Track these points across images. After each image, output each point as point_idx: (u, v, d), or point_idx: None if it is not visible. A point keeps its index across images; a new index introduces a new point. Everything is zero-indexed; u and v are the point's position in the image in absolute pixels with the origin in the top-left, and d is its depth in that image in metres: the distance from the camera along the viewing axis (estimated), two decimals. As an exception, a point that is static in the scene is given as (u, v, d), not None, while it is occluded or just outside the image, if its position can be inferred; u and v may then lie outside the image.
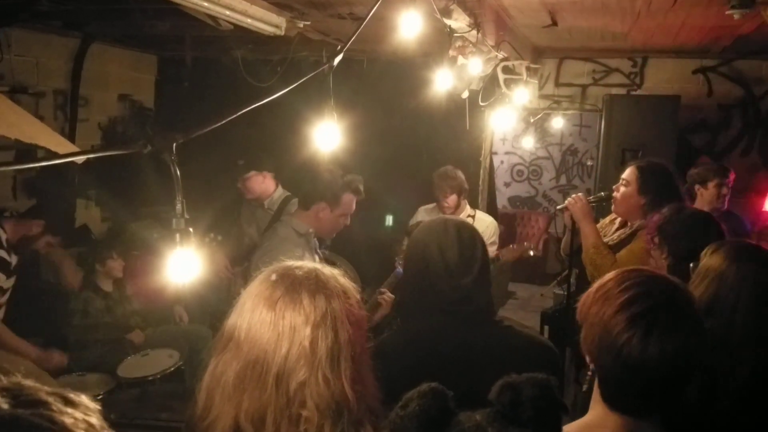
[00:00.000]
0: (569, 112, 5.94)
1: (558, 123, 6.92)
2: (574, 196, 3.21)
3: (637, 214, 3.03)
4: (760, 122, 5.22)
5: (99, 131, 5.46)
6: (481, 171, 5.55)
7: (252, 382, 1.06)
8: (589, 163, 8.73)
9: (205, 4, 2.75)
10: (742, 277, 1.73)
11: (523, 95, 4.64)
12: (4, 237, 3.29)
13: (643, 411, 1.25)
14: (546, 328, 5.60)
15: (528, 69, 4.59)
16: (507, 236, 8.71)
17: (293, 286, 1.11)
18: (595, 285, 1.34)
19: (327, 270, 1.18)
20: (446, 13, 2.80)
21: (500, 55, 3.92)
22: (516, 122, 5.98)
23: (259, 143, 5.21)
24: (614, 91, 5.34)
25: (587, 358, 1.31)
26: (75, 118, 5.08)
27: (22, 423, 0.62)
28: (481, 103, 4.29)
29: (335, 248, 4.72)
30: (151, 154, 1.33)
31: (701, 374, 1.55)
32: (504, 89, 4.35)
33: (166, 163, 1.34)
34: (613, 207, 3.19)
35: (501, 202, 9.01)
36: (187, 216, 1.33)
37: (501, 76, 4.25)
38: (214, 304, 3.94)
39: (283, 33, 3.51)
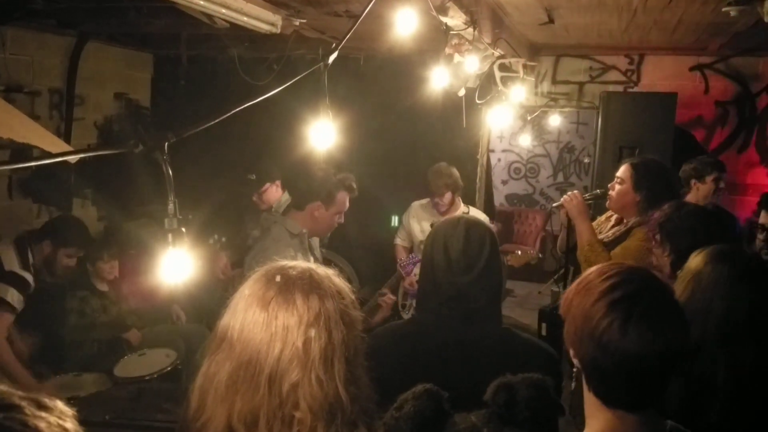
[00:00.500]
0: (566, 109, 5.94)
1: (555, 120, 6.91)
2: (569, 193, 3.20)
3: (633, 212, 3.03)
4: (756, 119, 5.22)
5: (95, 130, 5.44)
6: (479, 169, 5.54)
7: (245, 383, 1.05)
8: (586, 160, 8.73)
9: (201, 2, 2.74)
10: (716, 279, 1.72)
11: (519, 93, 4.63)
12: (31, 260, 3.37)
13: (634, 403, 1.23)
14: (543, 325, 5.62)
15: (525, 66, 4.58)
16: (505, 234, 8.72)
17: (286, 286, 1.10)
18: (577, 281, 1.33)
19: (321, 270, 1.17)
20: (442, 10, 2.80)
21: (497, 53, 3.91)
22: (513, 120, 5.98)
23: (256, 142, 5.21)
24: (611, 88, 5.33)
25: (571, 353, 1.29)
26: (71, 117, 5.07)
27: None
28: (478, 101, 4.28)
29: (333, 247, 4.72)
30: (143, 153, 1.32)
31: (684, 376, 1.56)
32: (501, 87, 4.35)
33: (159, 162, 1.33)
34: (608, 204, 3.19)
35: (498, 199, 9.01)
36: (179, 216, 1.32)
37: (497, 74, 4.24)
38: (210, 304, 3.94)
39: (279, 31, 3.50)
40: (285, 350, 1.05)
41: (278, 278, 1.12)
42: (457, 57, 3.32)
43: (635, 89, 5.37)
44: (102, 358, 3.75)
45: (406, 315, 4.32)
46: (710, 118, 5.30)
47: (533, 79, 5.39)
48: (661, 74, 5.34)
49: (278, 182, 4.08)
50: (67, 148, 3.47)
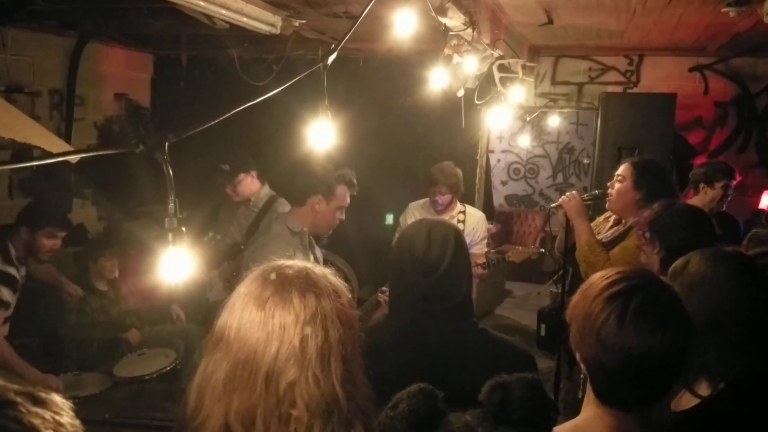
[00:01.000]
0: (565, 110, 5.95)
1: (554, 121, 6.94)
2: (568, 194, 3.21)
3: (632, 211, 3.04)
4: (756, 120, 5.24)
5: (95, 130, 5.45)
6: (478, 169, 5.55)
7: (242, 382, 1.05)
8: (585, 161, 8.74)
9: (201, 3, 2.75)
10: (719, 280, 1.71)
11: (518, 93, 4.64)
12: (14, 253, 3.31)
13: (631, 402, 1.24)
14: (542, 326, 5.63)
15: (524, 67, 4.59)
16: (504, 235, 8.74)
17: (283, 285, 1.11)
18: (583, 286, 1.34)
19: (318, 269, 1.17)
20: (441, 11, 2.80)
21: (496, 54, 3.92)
22: (512, 120, 5.98)
23: (255, 141, 5.22)
24: (610, 89, 5.35)
25: (577, 357, 1.30)
26: (71, 118, 5.08)
27: None
28: (477, 102, 4.29)
29: (332, 247, 4.73)
30: (143, 153, 1.33)
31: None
32: (500, 87, 4.35)
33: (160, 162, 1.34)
34: (607, 204, 3.19)
35: (498, 200, 9.02)
36: (180, 215, 1.33)
37: (497, 75, 4.24)
38: (211, 303, 3.94)
39: (278, 32, 3.51)
40: (282, 349, 1.05)
41: (275, 277, 1.13)
42: (456, 58, 3.33)
43: (635, 90, 5.38)
44: (102, 357, 3.75)
45: None
46: (710, 118, 5.31)
47: (532, 79, 5.40)
48: (660, 75, 5.36)
49: (253, 173, 3.97)
50: (68, 148, 3.47)
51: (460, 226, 4.12)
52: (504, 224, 8.75)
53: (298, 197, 2.93)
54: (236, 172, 3.91)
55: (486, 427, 0.94)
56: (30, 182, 4.69)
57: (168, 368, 3.59)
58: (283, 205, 3.81)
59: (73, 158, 2.28)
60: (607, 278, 1.28)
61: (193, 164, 4.28)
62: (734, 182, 3.92)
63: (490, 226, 7.65)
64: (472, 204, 5.09)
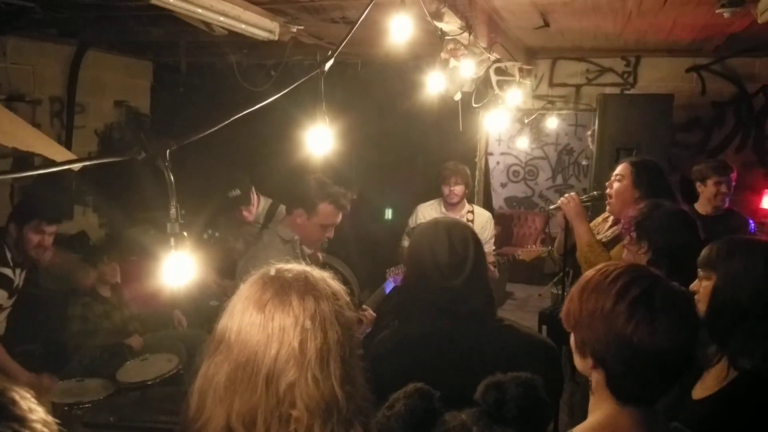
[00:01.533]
0: (563, 112, 5.97)
1: (553, 123, 6.95)
2: (567, 195, 3.22)
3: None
4: (753, 119, 5.25)
5: (95, 138, 5.48)
6: (477, 172, 5.56)
7: (243, 384, 1.07)
8: (584, 162, 8.76)
9: (199, 10, 2.77)
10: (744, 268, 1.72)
11: (516, 96, 4.66)
12: (9, 255, 3.26)
13: (652, 398, 1.25)
14: (544, 327, 5.63)
15: (521, 70, 4.61)
16: (504, 237, 8.74)
17: (283, 288, 1.13)
18: (577, 287, 1.32)
19: (316, 272, 1.19)
20: (437, 16, 2.82)
21: (493, 57, 3.94)
22: (511, 123, 6.00)
23: (253, 147, 5.24)
24: (608, 90, 5.36)
25: (589, 361, 1.27)
26: (71, 125, 5.11)
27: None
28: (474, 105, 4.31)
29: (332, 251, 4.75)
30: (145, 160, 1.36)
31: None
32: (497, 90, 4.37)
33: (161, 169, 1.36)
34: (607, 205, 3.21)
35: (497, 202, 9.03)
36: (181, 221, 1.35)
37: (494, 78, 4.27)
38: (213, 308, 3.96)
39: (276, 38, 3.53)
40: (282, 351, 1.07)
41: (274, 281, 1.15)
42: (452, 62, 3.35)
43: (632, 91, 5.39)
44: (105, 363, 3.77)
45: None
46: (707, 119, 5.32)
47: (529, 82, 5.42)
48: (657, 76, 5.37)
49: (253, 189, 3.99)
50: (70, 155, 3.48)
51: (470, 224, 4.21)
52: (504, 226, 8.76)
53: (287, 206, 2.95)
54: (248, 193, 3.91)
55: (481, 425, 0.96)
56: (32, 190, 4.71)
57: (171, 373, 3.60)
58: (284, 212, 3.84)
59: (77, 166, 2.30)
60: (613, 279, 1.26)
61: (192, 166, 4.30)
62: (726, 177, 3.92)
63: (493, 230, 7.67)
64: (472, 203, 5.12)
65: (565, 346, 3.30)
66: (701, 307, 1.71)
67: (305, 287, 1.13)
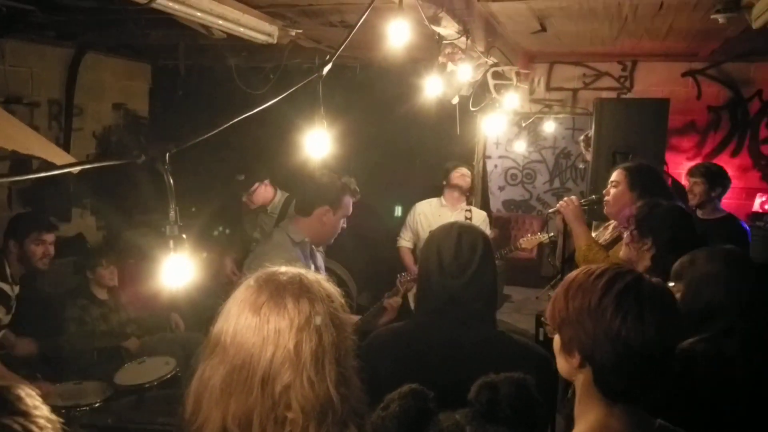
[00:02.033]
0: (561, 115, 5.99)
1: (550, 127, 6.97)
2: (565, 198, 3.24)
3: None
4: (748, 123, 5.28)
5: (94, 140, 5.49)
6: (474, 175, 5.58)
7: (238, 386, 1.08)
8: (581, 165, 8.77)
9: (198, 14, 2.78)
10: (723, 277, 1.83)
11: (513, 100, 4.68)
12: (9, 271, 3.30)
13: (640, 394, 1.25)
14: (541, 330, 5.64)
15: (518, 74, 4.64)
16: (502, 240, 8.74)
17: (277, 291, 1.14)
18: (562, 288, 1.33)
19: (311, 275, 1.20)
20: (435, 20, 2.84)
21: (490, 61, 3.96)
22: (509, 126, 6.02)
23: (253, 149, 5.25)
24: (605, 94, 5.39)
25: (575, 359, 1.26)
26: (70, 128, 5.11)
27: None
28: (472, 108, 4.33)
29: (330, 254, 4.76)
30: (145, 164, 1.37)
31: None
32: (494, 94, 4.40)
33: (161, 172, 1.38)
34: (605, 210, 3.22)
35: (495, 205, 9.04)
36: (180, 223, 1.36)
37: (491, 82, 4.29)
38: (210, 309, 3.96)
39: (275, 41, 3.54)
40: (277, 353, 1.08)
41: (269, 283, 1.16)
42: (450, 65, 3.37)
43: (628, 95, 5.42)
44: (102, 366, 3.76)
45: None
46: (703, 123, 5.35)
47: (527, 86, 5.45)
48: (653, 80, 5.40)
49: (267, 182, 4.15)
50: (69, 158, 3.48)
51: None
52: (502, 229, 8.77)
53: (305, 207, 2.89)
54: (251, 181, 4.10)
55: (474, 425, 0.97)
56: (30, 192, 4.72)
57: (168, 376, 3.60)
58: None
59: (76, 169, 2.31)
60: (596, 276, 1.27)
61: (190, 173, 4.31)
62: (695, 179, 3.97)
63: (488, 231, 7.70)
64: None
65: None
66: None
67: (300, 290, 1.14)
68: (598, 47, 4.91)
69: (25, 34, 4.47)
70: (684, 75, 5.32)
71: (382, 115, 5.30)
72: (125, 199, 5.21)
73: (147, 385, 3.49)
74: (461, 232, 1.80)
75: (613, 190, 3.11)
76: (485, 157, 6.13)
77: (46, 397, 0.76)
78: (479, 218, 4.50)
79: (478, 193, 5.70)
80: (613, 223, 3.27)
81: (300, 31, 3.73)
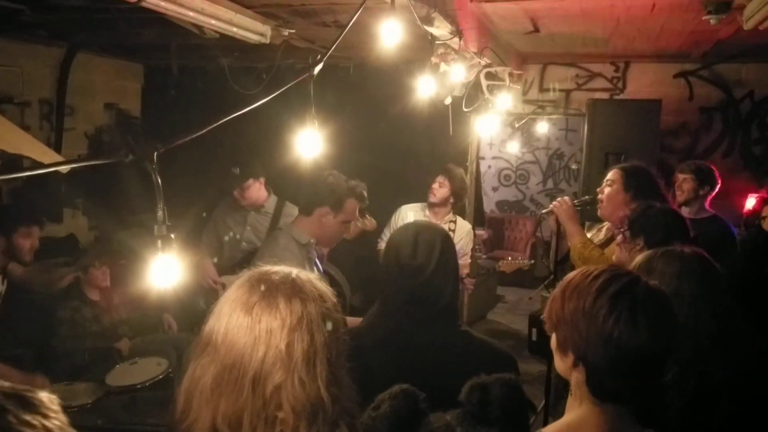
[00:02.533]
0: (554, 116, 6.01)
1: (543, 128, 6.99)
2: (559, 199, 3.25)
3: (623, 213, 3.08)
4: (740, 124, 5.31)
5: (85, 140, 5.46)
6: (468, 176, 5.58)
7: (229, 386, 1.08)
8: (573, 166, 8.80)
9: (190, 13, 2.77)
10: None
11: (506, 101, 4.68)
12: None
13: (630, 396, 1.26)
14: (534, 330, 5.65)
15: (511, 75, 4.64)
16: (495, 240, 8.78)
17: (269, 290, 1.13)
18: (559, 288, 1.33)
19: (303, 274, 1.19)
20: (428, 21, 2.84)
21: (483, 62, 3.96)
22: (502, 127, 6.03)
23: (246, 149, 5.23)
24: (597, 95, 5.41)
25: (569, 359, 1.26)
26: (61, 128, 5.09)
27: None
28: (465, 109, 4.33)
29: (323, 248, 4.74)
30: (132, 163, 1.36)
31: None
32: (487, 95, 4.40)
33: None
34: (599, 210, 3.23)
35: (489, 206, 9.06)
36: (168, 223, 1.35)
37: (484, 83, 4.29)
38: (202, 311, 3.94)
39: (268, 41, 3.53)
40: (268, 353, 1.08)
41: (261, 283, 1.15)
42: (443, 66, 3.37)
43: (621, 96, 5.45)
44: (94, 367, 3.75)
45: None
46: (695, 124, 5.38)
47: (520, 87, 5.45)
48: (646, 81, 5.43)
49: (262, 180, 4.01)
50: (57, 158, 3.48)
51: (450, 234, 4.20)
52: (495, 230, 8.79)
53: (306, 206, 2.84)
54: (246, 176, 3.93)
55: (465, 426, 0.97)
56: (21, 192, 4.69)
57: (160, 377, 3.58)
58: (293, 208, 3.83)
59: (64, 168, 2.30)
60: (593, 278, 1.28)
61: (182, 173, 4.29)
62: (684, 176, 3.94)
63: (482, 231, 7.69)
64: (464, 210, 5.13)
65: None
66: None
67: (292, 290, 1.14)
68: (591, 48, 4.92)
69: (15, 33, 4.44)
70: (676, 76, 5.34)
71: (375, 116, 5.29)
72: (117, 200, 5.19)
73: (139, 386, 3.47)
74: (418, 231, 1.79)
75: (607, 189, 3.12)
76: (479, 157, 6.14)
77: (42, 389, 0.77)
78: (462, 231, 4.34)
79: (471, 195, 5.70)
80: (606, 224, 3.27)
81: (293, 31, 3.72)
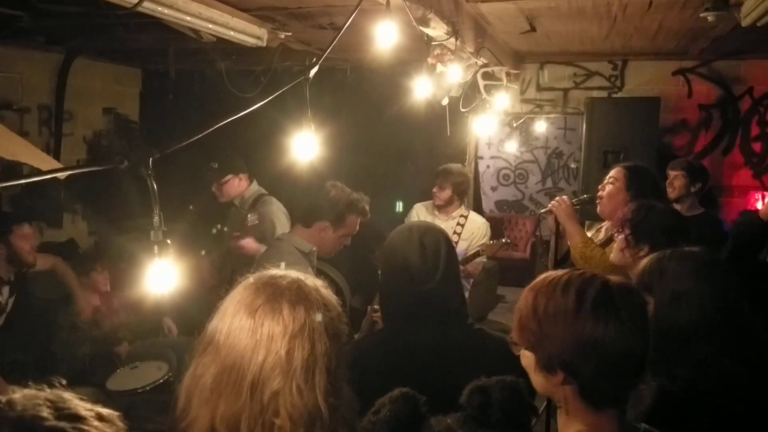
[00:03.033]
0: (552, 115, 6.00)
1: (541, 127, 6.98)
2: (558, 198, 3.24)
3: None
4: (739, 121, 5.30)
5: (84, 145, 5.47)
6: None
7: (228, 387, 1.07)
8: (572, 165, 8.79)
9: (187, 18, 2.78)
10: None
11: (503, 100, 4.68)
12: None
13: (625, 398, 1.24)
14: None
15: (508, 74, 4.64)
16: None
17: (275, 295, 1.13)
18: (529, 309, 1.26)
19: (310, 281, 1.18)
20: (423, 21, 2.83)
21: (480, 62, 3.96)
22: (500, 127, 6.02)
23: (244, 152, 5.23)
24: (595, 93, 5.41)
25: (550, 381, 1.20)
26: (60, 133, 5.10)
27: None
28: (462, 109, 4.33)
29: (322, 256, 4.74)
30: (128, 169, 1.36)
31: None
32: (484, 95, 4.39)
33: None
34: (598, 208, 3.21)
35: (488, 206, 9.04)
36: (164, 228, 1.35)
37: (481, 83, 4.29)
38: (199, 313, 3.93)
39: (265, 44, 3.54)
40: (268, 358, 1.07)
41: (267, 287, 1.15)
42: (439, 67, 3.36)
43: (619, 94, 5.44)
44: (94, 371, 3.75)
45: None
46: (694, 121, 5.37)
47: (517, 86, 5.45)
48: (644, 79, 5.42)
49: (244, 176, 3.93)
50: (55, 164, 3.49)
51: (459, 228, 4.18)
52: (494, 230, 8.75)
53: (306, 218, 2.80)
54: (224, 172, 3.86)
55: (466, 429, 0.96)
56: (21, 198, 4.70)
57: (161, 381, 3.58)
58: (269, 204, 3.79)
59: (61, 174, 2.30)
60: (562, 287, 1.23)
61: (179, 177, 4.29)
62: (675, 172, 3.93)
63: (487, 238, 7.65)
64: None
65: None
66: None
67: (297, 296, 1.13)
68: (588, 47, 4.92)
69: (13, 39, 4.44)
70: (674, 74, 5.34)
71: (373, 117, 5.29)
72: (117, 204, 5.19)
73: (140, 390, 3.47)
74: (422, 236, 1.77)
75: (609, 187, 3.10)
76: (477, 157, 6.13)
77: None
78: (475, 225, 4.27)
79: (470, 195, 5.70)
80: (606, 224, 3.26)
81: (289, 33, 3.72)
